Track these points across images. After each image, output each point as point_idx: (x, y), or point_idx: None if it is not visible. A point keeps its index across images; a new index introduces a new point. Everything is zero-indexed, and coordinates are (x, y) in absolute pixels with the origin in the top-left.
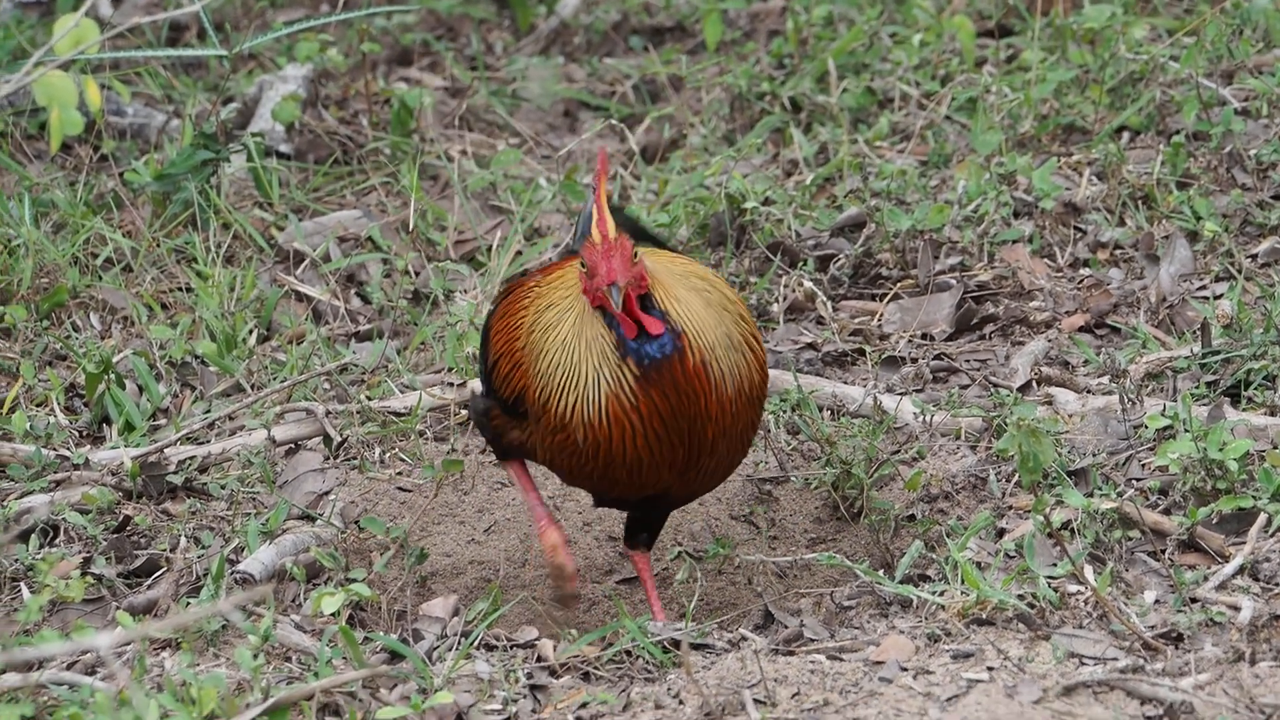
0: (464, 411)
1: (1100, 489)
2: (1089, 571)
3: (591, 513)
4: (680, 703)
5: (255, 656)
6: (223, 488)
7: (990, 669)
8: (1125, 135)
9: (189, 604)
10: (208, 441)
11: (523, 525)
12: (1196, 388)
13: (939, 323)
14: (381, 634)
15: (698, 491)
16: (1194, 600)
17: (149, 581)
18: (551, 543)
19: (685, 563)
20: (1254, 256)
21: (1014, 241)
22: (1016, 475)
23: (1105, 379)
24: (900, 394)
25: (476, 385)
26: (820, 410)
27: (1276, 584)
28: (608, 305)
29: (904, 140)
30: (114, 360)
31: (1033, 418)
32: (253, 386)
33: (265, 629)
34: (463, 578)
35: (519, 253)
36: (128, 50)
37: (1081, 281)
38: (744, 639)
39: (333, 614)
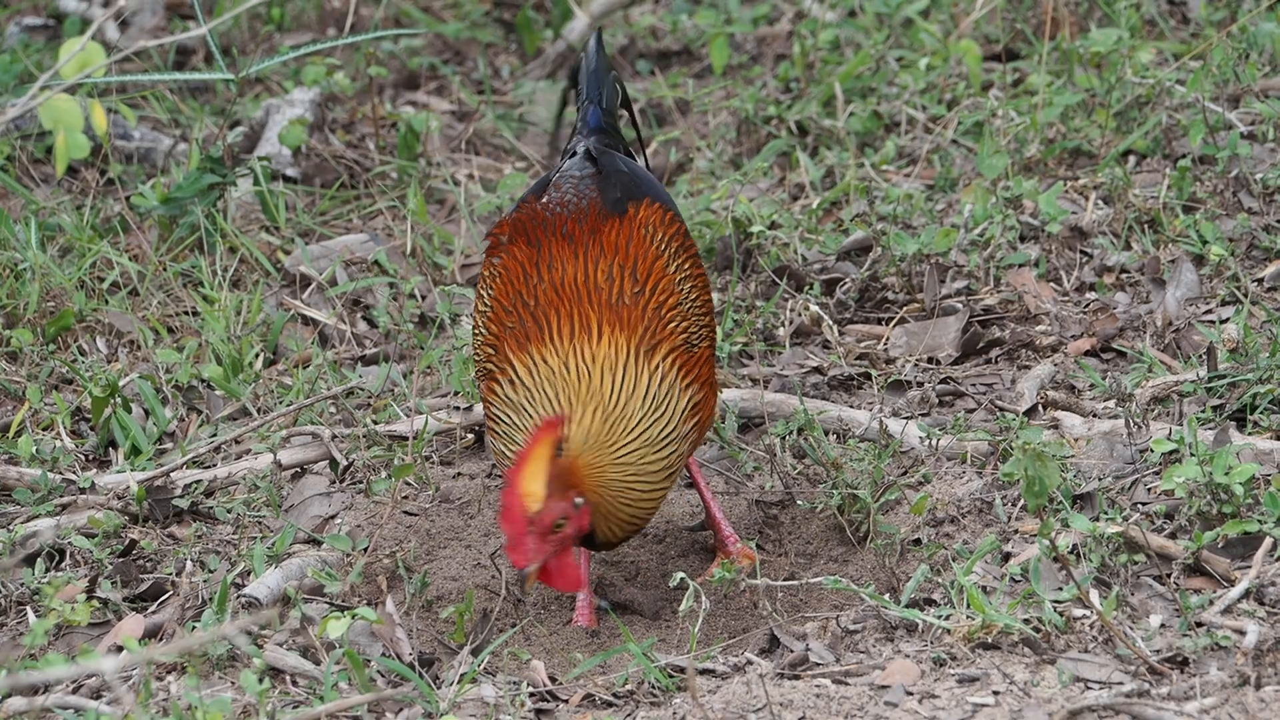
0: (470, 435)
1: (1106, 513)
2: (1094, 595)
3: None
4: None
5: (261, 680)
6: (229, 511)
7: (996, 693)
8: (1131, 159)
9: (195, 628)
10: (214, 465)
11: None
12: (1202, 412)
13: (945, 346)
14: (386, 657)
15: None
16: (1199, 624)
17: (154, 606)
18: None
19: (690, 588)
20: (1260, 280)
21: (1020, 265)
22: (1022, 499)
23: (1111, 403)
24: (906, 418)
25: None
26: (826, 434)
27: None
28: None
29: (910, 164)
30: (120, 384)
31: (1038, 442)
32: (259, 410)
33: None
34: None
35: None
36: (134, 74)
37: (1087, 305)
38: (749, 663)
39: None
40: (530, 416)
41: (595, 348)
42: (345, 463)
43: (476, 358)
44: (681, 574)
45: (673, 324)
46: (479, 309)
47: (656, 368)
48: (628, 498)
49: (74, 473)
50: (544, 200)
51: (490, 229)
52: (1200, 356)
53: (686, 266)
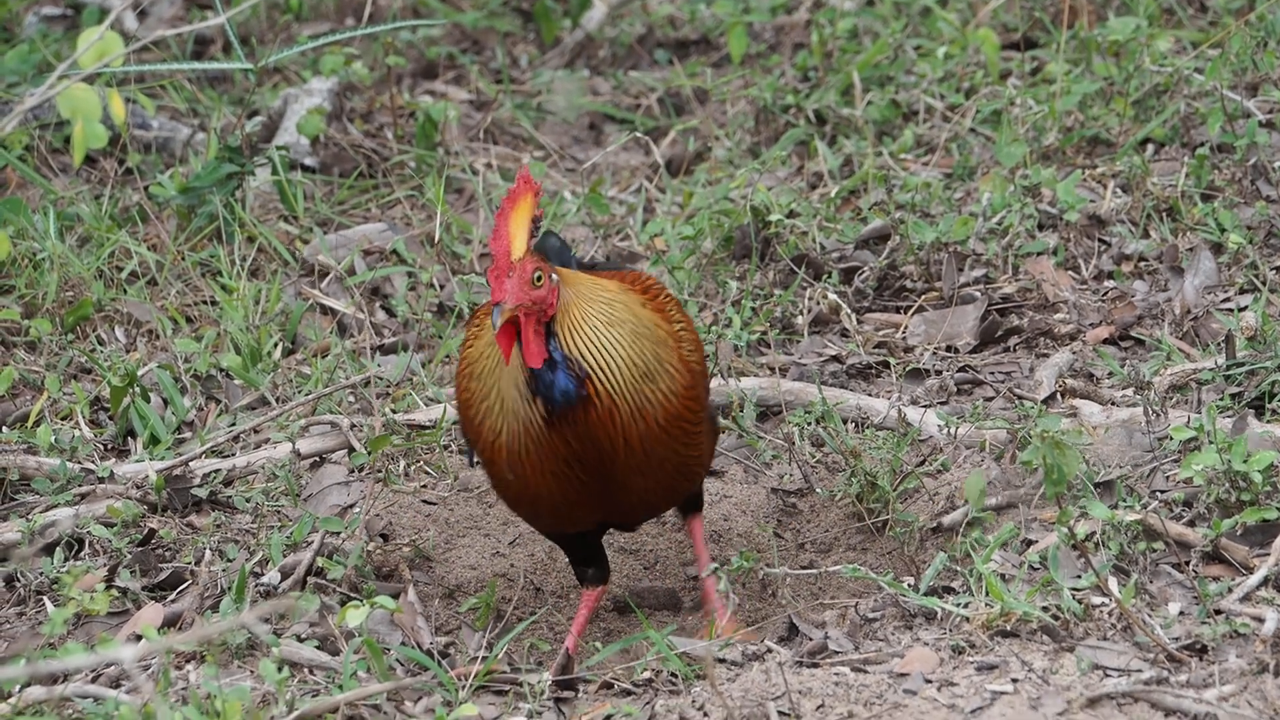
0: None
1: (1124, 501)
2: (1113, 583)
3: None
4: (705, 715)
5: (280, 669)
6: (247, 500)
7: (1014, 681)
8: (1150, 147)
9: (213, 617)
10: (232, 455)
11: (545, 539)
12: (1221, 400)
13: (963, 335)
14: (405, 646)
15: (641, 519)
16: (1218, 612)
17: (173, 594)
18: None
19: (722, 578)
20: (1278, 268)
21: (1038, 254)
22: (1042, 487)
23: (1130, 391)
24: (924, 406)
25: None
26: (845, 423)
27: None
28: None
29: (929, 153)
30: (139, 373)
31: (1057, 430)
32: (278, 400)
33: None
34: (487, 590)
35: None
36: (152, 64)
37: (1106, 294)
38: (769, 651)
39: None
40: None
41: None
42: (364, 452)
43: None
44: (714, 564)
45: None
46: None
47: (644, 308)
48: (596, 328)
49: (93, 462)
50: None
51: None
52: (1219, 344)
53: (673, 304)
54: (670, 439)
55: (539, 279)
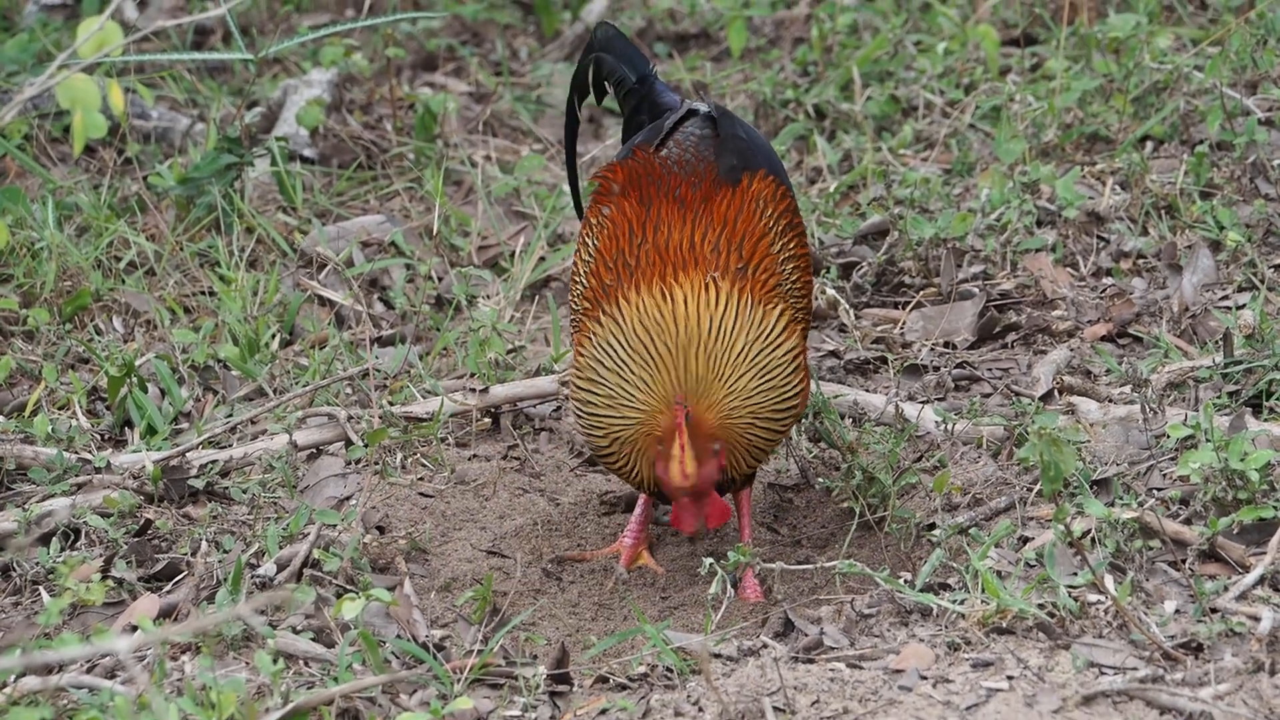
0: (488, 419)
1: (1121, 498)
2: (1109, 581)
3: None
4: (700, 710)
5: (275, 661)
6: (244, 492)
7: (1010, 678)
8: (1149, 145)
9: (209, 608)
10: (229, 446)
11: (542, 532)
12: (1218, 398)
13: (961, 331)
14: (401, 639)
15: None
16: (1214, 610)
17: (169, 585)
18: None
19: (717, 575)
20: (1277, 267)
21: (1037, 250)
22: (1038, 484)
23: (1127, 388)
24: (922, 402)
25: (501, 390)
26: (842, 418)
27: None
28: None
29: (928, 148)
30: (136, 364)
31: (1054, 427)
32: (275, 391)
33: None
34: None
35: (542, 258)
36: (152, 54)
37: (1104, 291)
38: (764, 646)
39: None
40: (622, 361)
41: (691, 290)
42: (361, 443)
43: (573, 307)
44: (709, 560)
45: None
46: (581, 258)
47: (763, 306)
48: (750, 420)
49: (90, 452)
50: (662, 153)
51: (600, 170)
52: (1216, 342)
53: (791, 246)
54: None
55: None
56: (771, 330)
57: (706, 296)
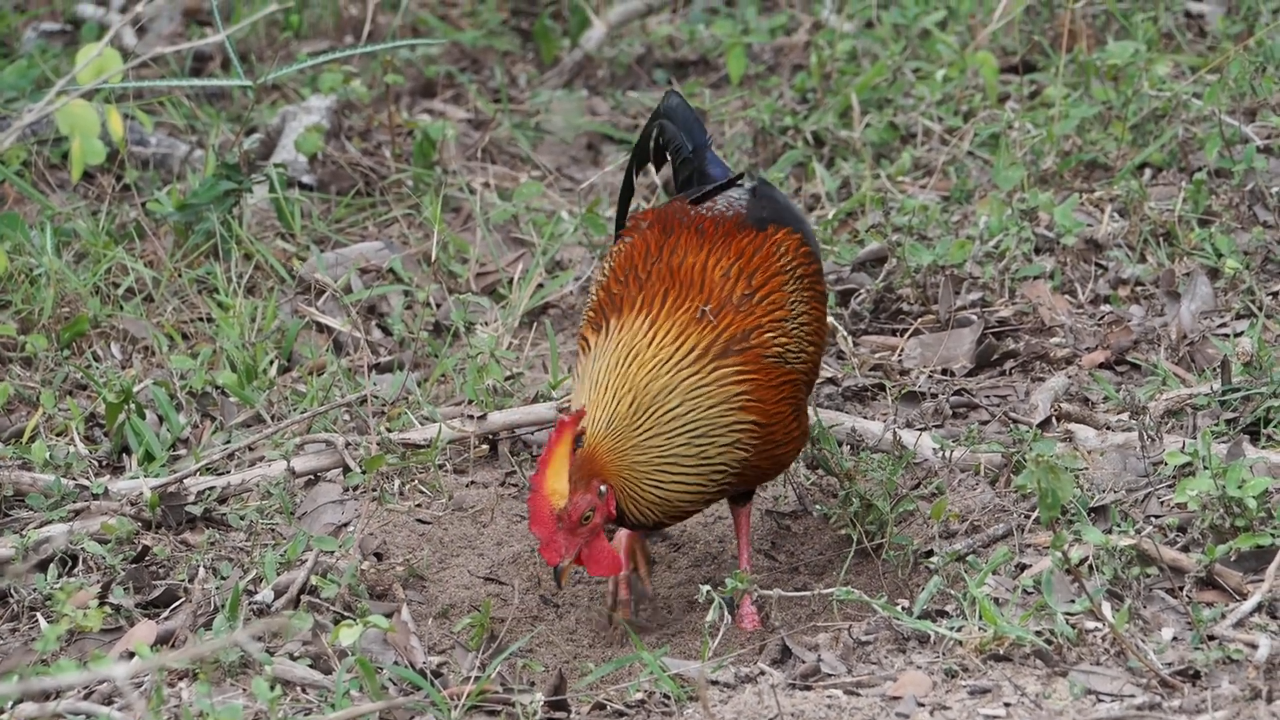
0: (485, 445)
1: (1119, 526)
2: (1107, 608)
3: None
4: None
5: (272, 687)
6: (242, 518)
7: (1007, 705)
8: (1147, 172)
9: (207, 634)
10: (227, 472)
11: (539, 559)
12: (1216, 425)
13: (959, 358)
14: (399, 665)
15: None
16: (1211, 638)
17: (167, 612)
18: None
19: (714, 602)
20: (1275, 294)
21: (1035, 277)
22: (1036, 511)
23: (1125, 416)
24: (920, 429)
25: (499, 416)
26: (840, 445)
27: None
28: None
29: (926, 175)
30: (134, 390)
31: (1052, 454)
32: (273, 417)
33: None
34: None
35: (540, 285)
36: (151, 80)
37: (1102, 318)
38: (761, 673)
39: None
40: (581, 391)
41: (660, 336)
42: (359, 470)
43: (583, 319)
44: (706, 587)
45: (770, 334)
46: (597, 279)
47: (716, 372)
48: (655, 480)
49: (87, 478)
50: (696, 203)
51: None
52: (1214, 370)
53: (805, 295)
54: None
55: (588, 517)
56: (715, 402)
57: (675, 347)
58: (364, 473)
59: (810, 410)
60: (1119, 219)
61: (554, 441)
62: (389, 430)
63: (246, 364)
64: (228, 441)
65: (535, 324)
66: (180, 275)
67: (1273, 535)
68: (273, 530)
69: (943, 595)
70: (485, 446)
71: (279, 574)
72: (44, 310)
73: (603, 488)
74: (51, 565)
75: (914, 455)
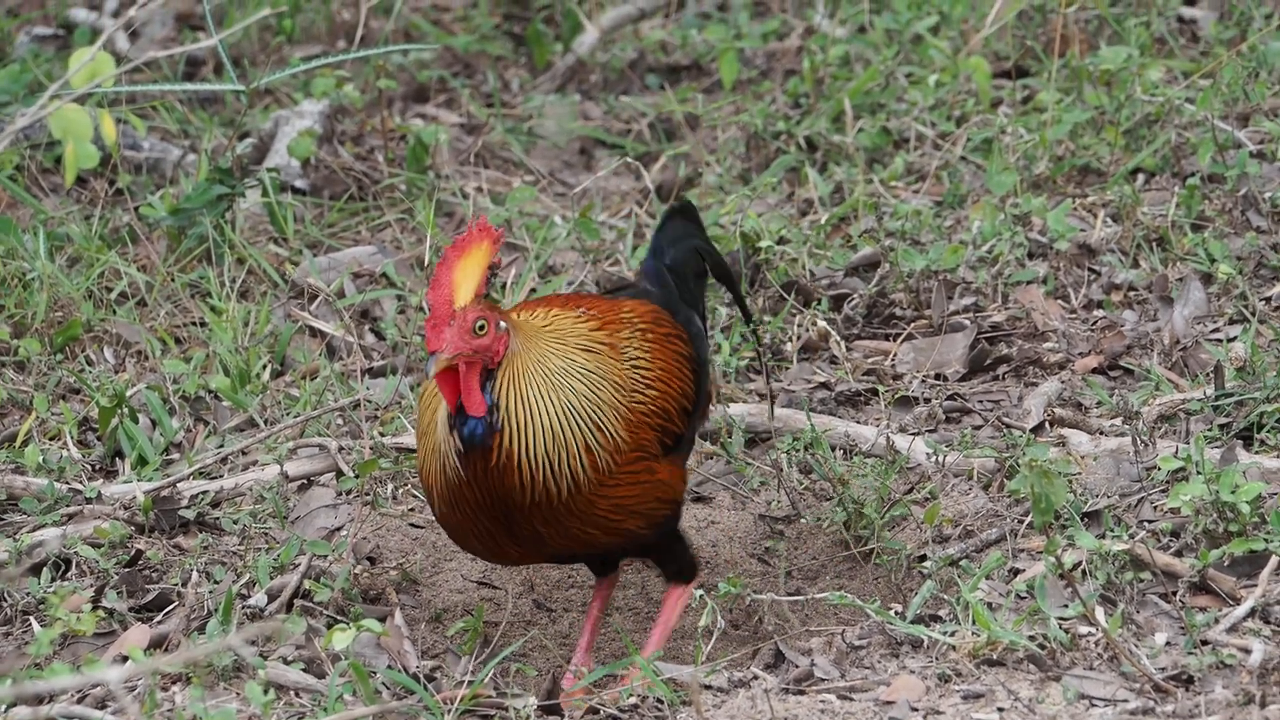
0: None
1: (1112, 530)
2: (1100, 613)
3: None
4: None
5: (266, 691)
6: (235, 523)
7: (1000, 710)
8: (1140, 177)
9: (200, 638)
10: (220, 476)
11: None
12: (1209, 430)
13: (952, 363)
14: (392, 669)
15: (586, 557)
16: (1205, 642)
17: (160, 616)
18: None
19: (708, 605)
20: (1268, 299)
21: (1028, 282)
22: (1029, 516)
23: (1118, 421)
24: (913, 434)
25: None
26: (833, 450)
27: None
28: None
29: (919, 180)
30: (127, 394)
31: (1045, 459)
32: (266, 421)
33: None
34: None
35: (533, 289)
36: (144, 84)
37: (1095, 323)
38: (755, 678)
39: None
40: None
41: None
42: (352, 474)
43: None
44: (700, 591)
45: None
46: None
47: (595, 328)
48: (548, 390)
49: (80, 482)
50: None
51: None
52: (1207, 375)
53: (648, 345)
54: (587, 508)
55: (482, 328)
56: (597, 358)
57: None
58: (357, 477)
59: (803, 415)
60: (1112, 224)
61: (469, 241)
62: (382, 434)
63: (240, 368)
64: (221, 446)
65: None
66: (173, 279)
67: (1266, 540)
68: (266, 534)
69: (936, 600)
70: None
71: (272, 578)
72: (37, 314)
73: (503, 323)
74: (45, 569)
75: (907, 460)
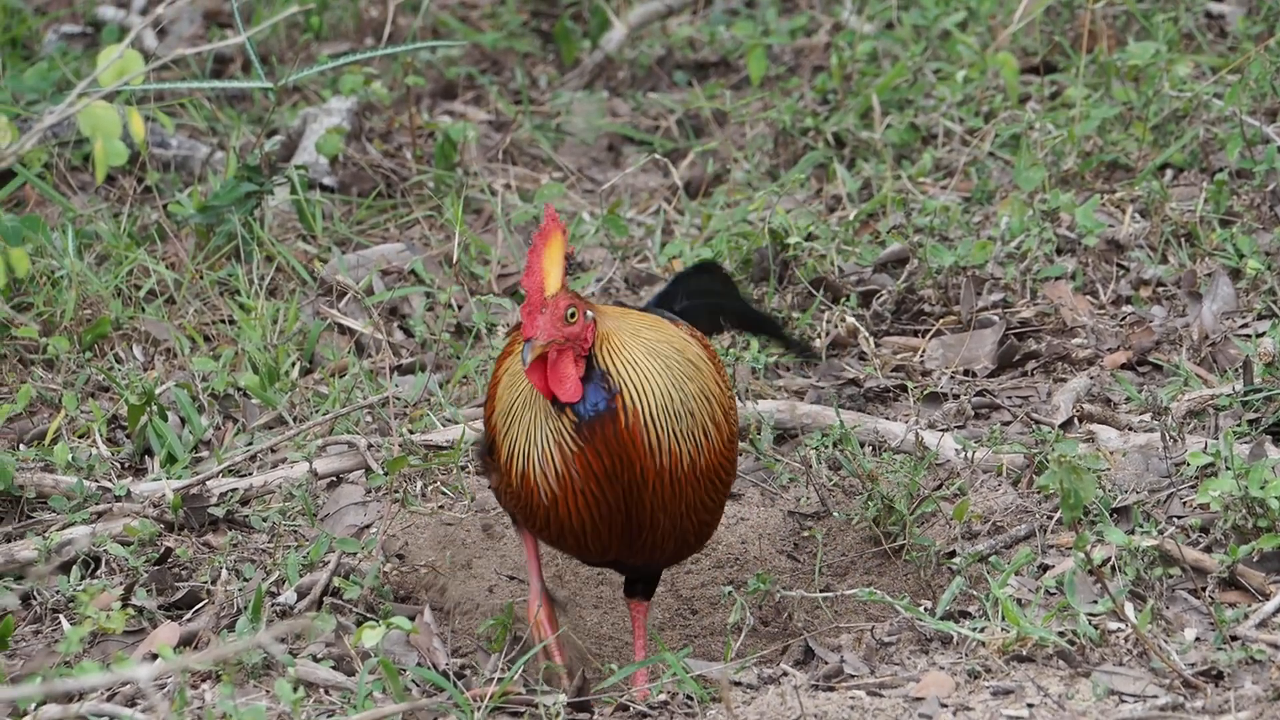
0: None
1: (1141, 526)
2: (1129, 609)
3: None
4: None
5: (295, 689)
6: (264, 520)
7: (1030, 706)
8: (1168, 172)
9: (229, 636)
10: (249, 474)
11: (562, 559)
12: (1238, 425)
13: (981, 359)
14: (422, 666)
15: (653, 563)
16: (1234, 638)
17: (190, 614)
18: (535, 618)
19: (736, 603)
20: None
21: (1057, 278)
22: (1058, 512)
23: (1147, 416)
24: (942, 430)
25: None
26: (862, 446)
27: None
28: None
29: (947, 176)
30: (156, 392)
31: (1074, 455)
32: (295, 419)
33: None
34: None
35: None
36: (172, 82)
37: (1124, 319)
38: (784, 674)
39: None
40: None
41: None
42: (381, 472)
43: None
44: (729, 588)
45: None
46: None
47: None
48: (653, 370)
49: (110, 480)
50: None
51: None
52: (1236, 370)
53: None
54: (698, 486)
55: (573, 315)
56: (698, 349)
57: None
58: (386, 474)
59: (832, 411)
60: (1140, 220)
61: (547, 232)
62: (411, 432)
63: (268, 366)
64: (250, 443)
65: None
66: (202, 277)
67: None
68: (295, 532)
69: (965, 596)
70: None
71: (301, 575)
72: (66, 312)
73: (590, 314)
74: (74, 567)
75: (936, 456)
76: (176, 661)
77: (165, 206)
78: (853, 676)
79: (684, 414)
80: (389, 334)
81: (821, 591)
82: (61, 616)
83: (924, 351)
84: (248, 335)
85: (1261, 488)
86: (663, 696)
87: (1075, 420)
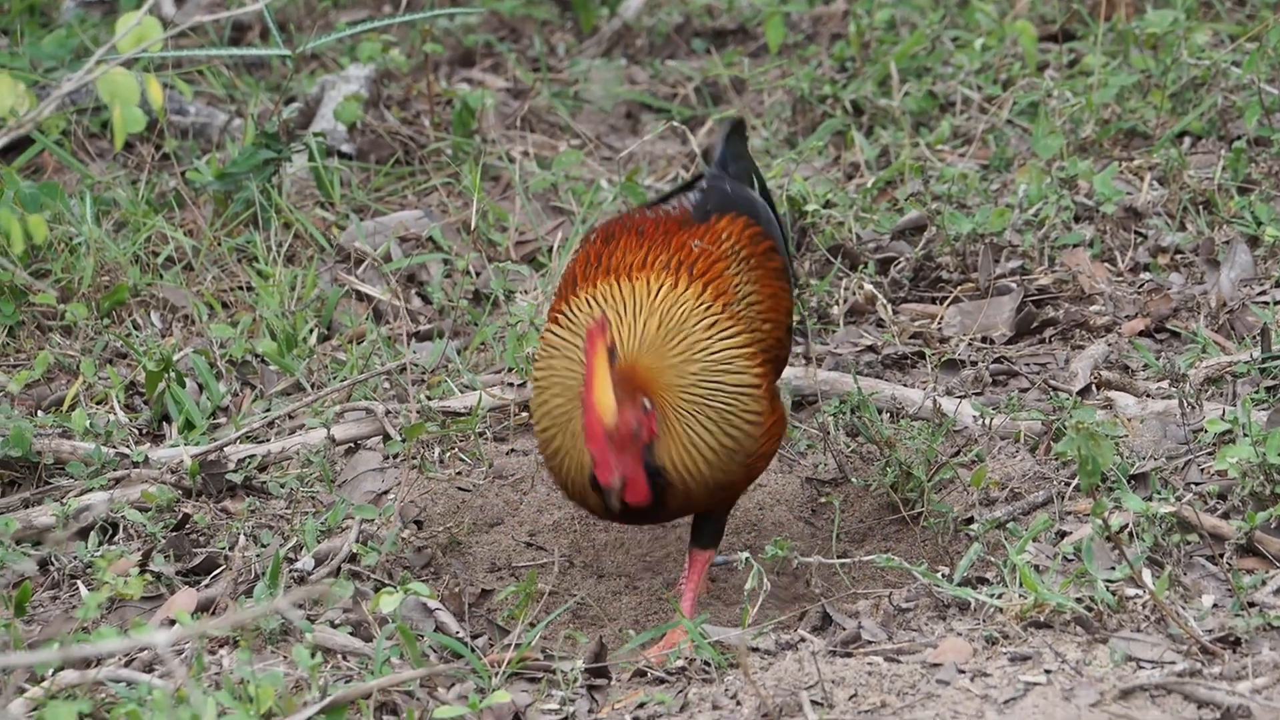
0: (525, 413)
1: (1159, 493)
2: (1147, 575)
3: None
4: (738, 704)
5: (313, 655)
6: (282, 486)
7: (1048, 672)
8: (1187, 140)
9: (247, 602)
10: (267, 440)
11: (580, 526)
12: (1256, 392)
13: (999, 326)
14: (439, 632)
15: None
16: (1252, 605)
17: (207, 580)
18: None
19: (753, 568)
20: None
21: (1075, 245)
22: (1076, 479)
23: (1165, 383)
24: (960, 397)
25: None
26: (880, 413)
27: None
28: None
29: (965, 144)
30: (174, 358)
31: (1092, 421)
32: (313, 385)
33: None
34: (522, 577)
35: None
36: (190, 49)
37: (1142, 286)
38: (802, 640)
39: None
40: (565, 338)
41: (650, 273)
42: (399, 438)
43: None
44: (745, 554)
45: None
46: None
47: (708, 301)
48: (691, 415)
49: (128, 447)
50: (648, 208)
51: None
52: (1254, 337)
53: (754, 274)
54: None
55: (637, 433)
56: (726, 332)
57: (661, 280)
58: (404, 441)
59: (849, 378)
60: (1158, 187)
61: (590, 354)
62: (429, 398)
63: (286, 332)
64: (267, 410)
65: None
66: (220, 244)
67: None
68: (313, 498)
69: (983, 562)
70: (525, 414)
71: (319, 542)
72: (84, 279)
73: (647, 402)
74: (92, 533)
75: (954, 423)
76: (194, 627)
77: (183, 173)
78: (870, 642)
79: (726, 451)
80: (407, 301)
81: (839, 558)
82: (79, 582)
83: (942, 318)
84: (266, 302)
85: (1279, 454)
86: (680, 662)
87: (1093, 387)
